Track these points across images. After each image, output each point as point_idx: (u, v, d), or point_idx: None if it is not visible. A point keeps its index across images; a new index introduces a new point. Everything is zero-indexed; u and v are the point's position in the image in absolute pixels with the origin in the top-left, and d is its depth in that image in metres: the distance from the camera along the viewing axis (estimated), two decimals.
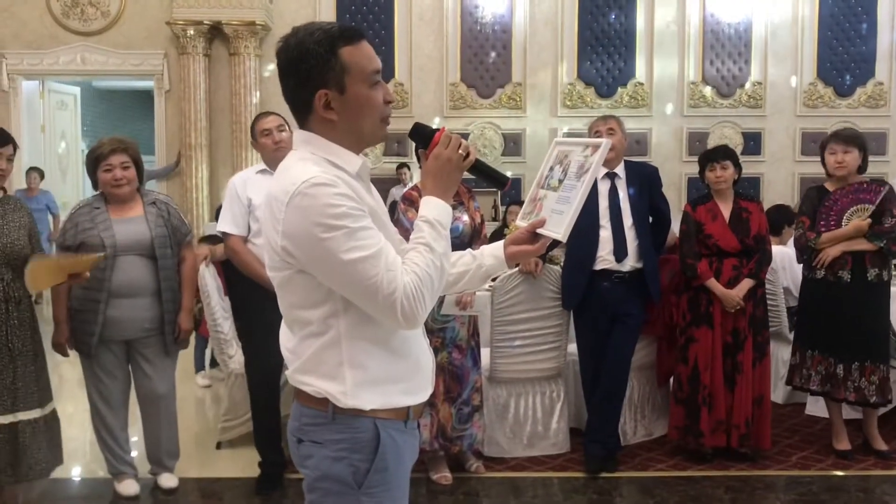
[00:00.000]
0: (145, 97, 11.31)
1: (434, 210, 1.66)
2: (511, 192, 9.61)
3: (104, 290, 3.47)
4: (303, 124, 1.68)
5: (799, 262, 4.39)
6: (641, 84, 10.24)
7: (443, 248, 1.63)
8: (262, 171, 3.77)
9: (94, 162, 3.55)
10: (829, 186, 4.26)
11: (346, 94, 1.62)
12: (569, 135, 9.89)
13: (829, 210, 4.18)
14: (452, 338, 3.89)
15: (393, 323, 1.58)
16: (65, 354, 3.64)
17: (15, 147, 3.39)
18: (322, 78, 1.61)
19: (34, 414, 3.32)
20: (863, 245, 4.11)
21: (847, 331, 4.12)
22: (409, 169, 9.61)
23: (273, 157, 3.66)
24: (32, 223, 3.42)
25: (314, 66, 1.60)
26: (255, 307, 3.64)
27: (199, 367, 5.89)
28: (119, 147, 3.54)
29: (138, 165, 3.62)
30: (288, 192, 1.54)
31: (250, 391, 3.90)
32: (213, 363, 5.77)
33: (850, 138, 4.23)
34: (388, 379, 1.67)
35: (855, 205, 4.14)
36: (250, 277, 3.63)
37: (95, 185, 3.63)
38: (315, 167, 1.58)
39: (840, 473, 4.09)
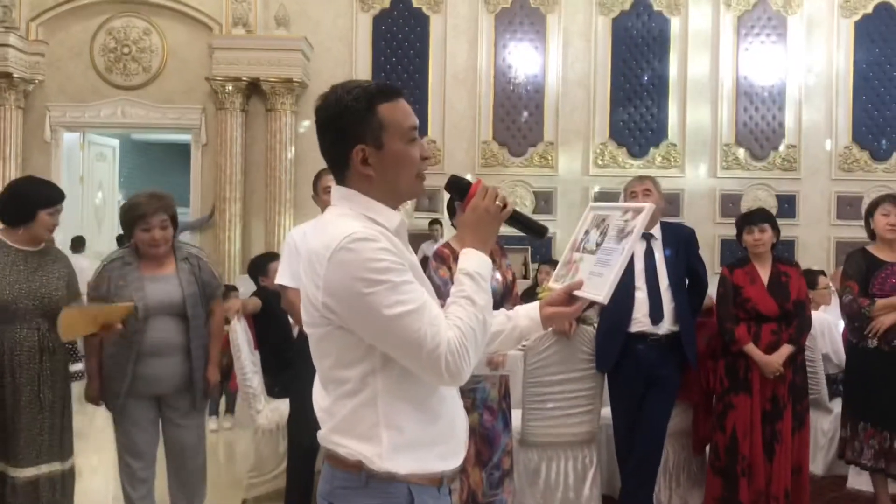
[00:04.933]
0: (181, 150, 11.53)
1: (474, 262, 1.63)
2: (542, 250, 9.58)
3: (133, 349, 3.42)
4: (341, 180, 1.68)
5: (849, 329, 4.23)
6: (674, 145, 10.25)
7: (484, 301, 1.60)
8: None
9: (134, 220, 3.53)
10: (874, 250, 4.14)
11: (384, 149, 1.63)
12: (601, 194, 9.89)
13: (887, 279, 4.04)
14: (483, 398, 3.81)
15: (437, 379, 1.55)
16: (97, 405, 3.62)
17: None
18: (359, 133, 1.62)
19: (56, 468, 3.31)
20: None
21: None
22: (440, 225, 9.63)
23: None
24: (72, 274, 3.44)
25: (351, 121, 1.61)
26: (309, 360, 3.61)
27: (212, 411, 5.90)
28: (159, 206, 3.50)
29: (174, 221, 3.63)
30: (329, 247, 1.53)
31: (290, 445, 3.83)
32: (228, 409, 5.85)
33: None
34: (424, 442, 1.62)
35: None
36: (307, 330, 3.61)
37: (128, 238, 3.62)
38: (356, 222, 1.57)
39: None
